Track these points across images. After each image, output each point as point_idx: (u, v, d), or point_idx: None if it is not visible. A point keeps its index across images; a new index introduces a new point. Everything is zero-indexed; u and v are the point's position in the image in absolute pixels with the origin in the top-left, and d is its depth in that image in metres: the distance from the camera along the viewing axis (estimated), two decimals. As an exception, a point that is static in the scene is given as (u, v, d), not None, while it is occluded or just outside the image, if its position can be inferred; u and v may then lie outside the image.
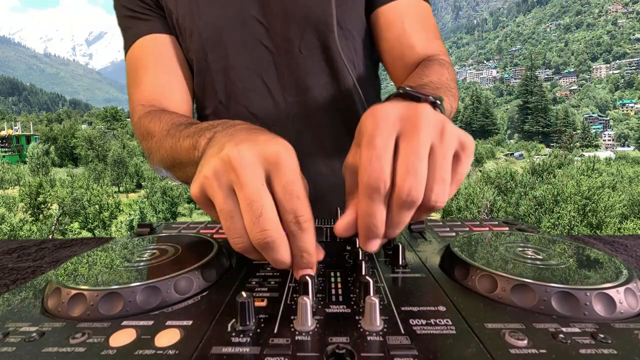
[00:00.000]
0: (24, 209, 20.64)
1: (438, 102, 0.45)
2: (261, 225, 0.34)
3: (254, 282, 0.41)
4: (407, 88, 0.47)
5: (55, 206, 20.43)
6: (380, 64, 0.91)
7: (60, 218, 18.27)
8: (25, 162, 38.06)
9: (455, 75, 0.74)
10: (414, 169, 0.34)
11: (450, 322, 0.32)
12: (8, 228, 15.02)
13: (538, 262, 0.40)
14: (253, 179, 0.34)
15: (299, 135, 0.83)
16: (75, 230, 18.37)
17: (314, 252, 0.36)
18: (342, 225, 0.39)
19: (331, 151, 0.85)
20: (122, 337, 0.30)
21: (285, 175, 0.35)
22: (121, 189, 32.56)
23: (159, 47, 0.79)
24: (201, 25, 0.77)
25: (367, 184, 0.35)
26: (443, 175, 0.35)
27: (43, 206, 20.73)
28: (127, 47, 0.81)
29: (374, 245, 0.38)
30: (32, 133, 53.81)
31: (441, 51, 0.80)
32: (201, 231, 0.64)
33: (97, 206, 19.37)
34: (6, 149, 48.61)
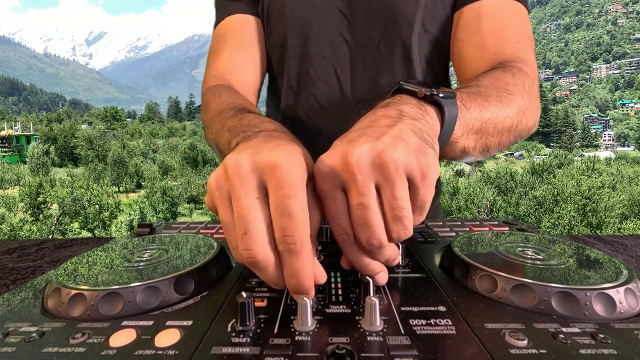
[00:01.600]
0: (24, 209, 20.64)
1: (439, 95, 0.42)
2: (245, 244, 0.32)
3: (254, 282, 0.41)
4: (402, 82, 0.45)
5: (55, 206, 20.44)
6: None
7: (60, 218, 18.27)
8: (25, 162, 38.04)
9: (528, 82, 0.61)
10: (363, 221, 0.34)
11: (450, 322, 0.32)
12: (8, 228, 15.01)
13: (538, 262, 0.40)
14: (244, 191, 0.33)
15: None
16: (75, 230, 18.36)
17: (306, 276, 0.33)
18: (345, 263, 0.40)
19: None
20: (122, 337, 0.30)
21: (280, 189, 0.32)
22: (121, 189, 32.55)
23: (242, 26, 0.84)
24: (288, 12, 0.80)
25: (336, 237, 0.36)
26: (396, 214, 0.34)
27: (43, 206, 20.72)
28: (216, 24, 0.87)
29: (380, 280, 0.38)
30: (32, 133, 53.79)
31: (523, 57, 0.68)
32: (201, 231, 0.64)
33: (97, 206, 19.37)
34: (6, 149, 48.60)
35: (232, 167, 0.33)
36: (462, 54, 0.74)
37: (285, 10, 0.80)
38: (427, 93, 0.42)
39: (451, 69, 0.86)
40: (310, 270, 0.33)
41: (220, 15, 0.86)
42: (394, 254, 0.36)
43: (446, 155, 0.49)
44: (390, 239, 0.35)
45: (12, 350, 0.29)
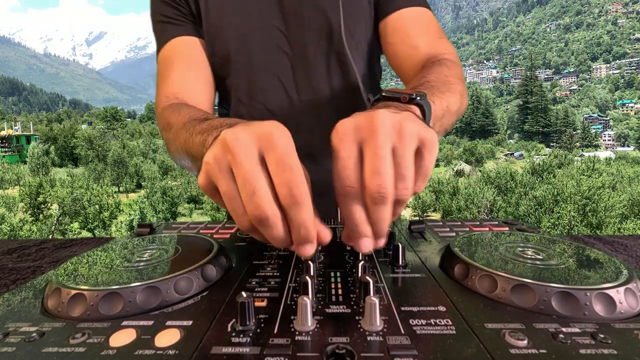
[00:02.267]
0: (24, 209, 20.64)
1: (418, 97, 0.50)
2: (255, 202, 0.35)
3: (254, 282, 0.41)
4: (384, 93, 0.52)
5: (55, 206, 20.43)
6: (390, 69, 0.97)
7: (60, 218, 18.26)
8: (25, 162, 38.04)
9: (459, 71, 0.75)
10: (377, 170, 0.36)
11: (450, 322, 0.32)
12: (8, 228, 15.02)
13: (538, 262, 0.40)
14: (247, 158, 0.36)
15: (310, 131, 0.89)
16: (75, 230, 18.36)
17: (311, 226, 0.36)
18: (344, 235, 0.41)
19: None
20: (122, 337, 0.30)
21: (278, 150, 0.36)
22: (121, 189, 32.54)
23: (187, 47, 0.87)
24: (228, 32, 0.86)
25: (339, 192, 0.38)
26: (401, 172, 0.37)
27: (43, 206, 20.72)
28: (159, 48, 0.89)
29: (365, 245, 0.39)
30: (32, 133, 53.76)
31: (446, 49, 0.83)
32: (201, 231, 0.64)
33: (97, 206, 19.36)
34: (6, 149, 48.58)
35: (232, 140, 0.36)
36: (398, 55, 0.87)
37: (224, 31, 0.86)
38: (410, 97, 0.50)
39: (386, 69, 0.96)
40: (314, 220, 0.37)
41: (162, 40, 0.88)
42: (388, 217, 0.38)
43: None
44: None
45: (12, 350, 0.29)
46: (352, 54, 0.85)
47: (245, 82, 0.89)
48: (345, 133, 0.38)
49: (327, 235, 0.39)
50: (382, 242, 0.40)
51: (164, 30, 0.88)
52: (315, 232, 0.37)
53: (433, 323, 0.32)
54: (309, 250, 0.37)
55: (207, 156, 0.38)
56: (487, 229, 0.61)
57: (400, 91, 0.50)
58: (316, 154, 0.89)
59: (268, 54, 0.87)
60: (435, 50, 0.82)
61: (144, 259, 0.44)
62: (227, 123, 0.49)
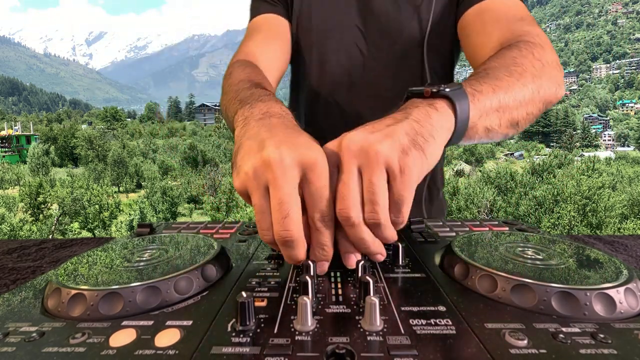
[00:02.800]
0: (24, 209, 20.63)
1: (445, 89, 0.45)
2: (285, 225, 0.38)
3: (254, 282, 0.41)
4: (411, 88, 0.49)
5: (55, 206, 20.43)
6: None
7: (60, 218, 18.26)
8: (25, 162, 38.02)
9: (538, 51, 0.63)
10: (341, 194, 0.40)
11: (450, 322, 0.32)
12: (8, 228, 15.01)
13: (538, 262, 0.40)
14: (287, 183, 0.38)
15: None
16: (75, 230, 18.36)
17: (330, 247, 0.41)
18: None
19: None
20: (122, 337, 0.30)
21: (319, 181, 0.39)
22: (121, 189, 32.53)
23: (273, 23, 0.96)
24: (314, 25, 0.95)
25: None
26: (369, 197, 0.39)
27: (43, 206, 20.71)
28: (251, 18, 0.98)
29: (347, 261, 0.44)
30: (32, 133, 53.72)
31: (526, 31, 0.70)
32: (201, 231, 0.64)
33: (97, 206, 19.36)
34: (6, 149, 48.56)
35: (277, 161, 0.38)
36: (472, 46, 0.80)
37: (311, 23, 0.95)
38: (434, 90, 0.45)
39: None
40: (332, 241, 0.42)
41: (256, 12, 0.97)
42: (366, 237, 0.41)
43: (472, 137, 0.52)
44: (363, 220, 0.40)
45: (12, 350, 0.29)
46: (430, 62, 0.89)
47: (319, 73, 0.97)
48: (328, 158, 0.41)
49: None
50: (379, 257, 0.44)
51: (260, 5, 0.97)
52: (332, 252, 0.42)
53: (433, 323, 0.32)
54: (325, 267, 0.42)
55: (247, 166, 0.40)
56: (487, 228, 0.61)
57: (428, 85, 0.46)
58: None
59: (343, 49, 0.94)
60: (511, 33, 0.71)
61: (144, 259, 0.44)
62: (255, 107, 0.51)
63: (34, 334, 0.31)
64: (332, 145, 0.43)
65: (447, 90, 0.45)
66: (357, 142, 0.40)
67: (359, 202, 0.40)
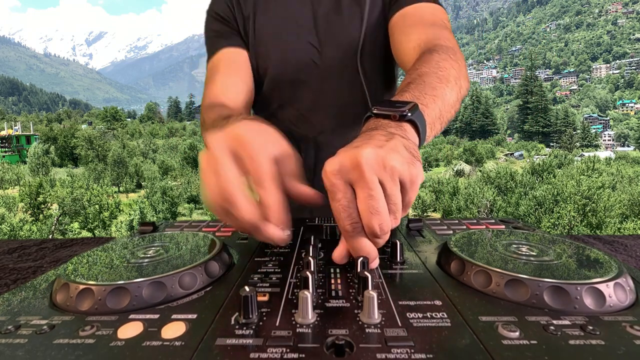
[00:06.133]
0: (24, 209, 20.63)
1: (408, 114, 0.50)
2: (221, 185, 0.43)
3: (256, 278, 0.42)
4: (375, 110, 0.52)
5: (55, 206, 20.42)
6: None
7: (60, 218, 18.26)
8: (25, 162, 38.02)
9: (452, 55, 0.73)
10: (375, 210, 0.40)
11: (445, 316, 0.33)
12: (8, 228, 15.02)
13: (532, 259, 0.41)
14: (221, 167, 0.43)
15: (332, 132, 1.02)
16: (75, 230, 18.36)
17: (277, 208, 0.44)
18: (338, 255, 0.46)
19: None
20: (130, 330, 0.31)
21: (247, 150, 0.44)
22: (121, 189, 32.51)
23: (232, 56, 0.99)
24: (270, 51, 0.99)
25: (344, 228, 0.42)
26: (391, 208, 0.41)
27: (43, 206, 20.71)
28: (209, 58, 1.02)
29: (375, 264, 0.45)
30: (32, 133, 53.71)
31: (440, 36, 0.81)
32: (203, 229, 0.65)
33: (97, 206, 19.36)
34: (6, 149, 48.54)
35: (211, 142, 0.45)
36: (397, 48, 0.91)
37: (270, 50, 0.99)
38: (400, 115, 0.50)
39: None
40: (279, 204, 0.44)
41: (212, 51, 1.01)
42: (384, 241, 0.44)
43: (423, 144, 0.58)
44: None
45: (24, 341, 0.30)
46: (372, 66, 0.98)
47: (285, 91, 1.02)
48: (335, 174, 0.42)
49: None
50: (377, 262, 0.45)
51: (214, 43, 1.01)
52: (281, 215, 0.43)
53: (429, 316, 0.33)
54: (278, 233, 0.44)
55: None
56: (484, 227, 0.63)
57: (390, 108, 0.51)
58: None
59: (302, 66, 0.99)
60: (426, 36, 0.83)
61: (149, 255, 0.45)
62: (239, 118, 0.55)
63: (45, 327, 0.32)
64: (340, 160, 0.42)
65: (410, 115, 0.50)
66: (374, 159, 0.40)
67: (388, 212, 0.41)
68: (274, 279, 0.42)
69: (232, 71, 0.98)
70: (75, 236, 13.73)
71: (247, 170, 0.43)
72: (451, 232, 0.61)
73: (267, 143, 0.46)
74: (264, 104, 1.09)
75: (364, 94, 1.01)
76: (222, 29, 1.02)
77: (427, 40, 0.81)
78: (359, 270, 0.39)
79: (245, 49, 1.02)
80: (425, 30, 0.84)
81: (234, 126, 0.46)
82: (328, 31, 0.99)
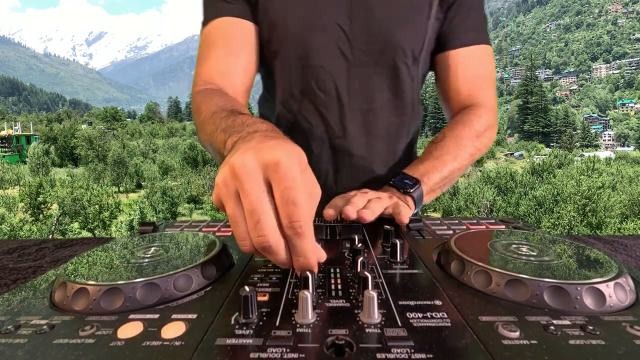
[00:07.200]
0: (24, 209, 20.63)
1: (411, 191, 0.76)
2: (258, 231, 0.37)
3: (255, 278, 0.42)
4: (390, 182, 0.79)
5: (55, 206, 20.42)
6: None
7: (60, 218, 18.26)
8: (25, 162, 38.01)
9: (479, 124, 0.86)
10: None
11: (445, 315, 0.33)
12: (8, 228, 15.02)
13: (532, 259, 0.41)
14: (253, 187, 0.37)
15: (354, 139, 0.91)
16: (75, 230, 18.35)
17: (310, 255, 0.38)
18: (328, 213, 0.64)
19: (383, 156, 0.96)
20: (130, 330, 0.31)
21: (283, 182, 0.37)
22: (121, 189, 32.52)
23: (232, 29, 0.84)
24: (291, 23, 0.83)
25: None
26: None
27: (43, 206, 20.72)
28: (205, 23, 0.86)
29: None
30: (32, 133, 53.74)
31: (482, 102, 0.91)
32: (203, 229, 0.65)
33: (97, 206, 19.35)
34: (6, 149, 48.55)
35: (240, 166, 0.37)
36: (444, 93, 0.95)
37: (287, 23, 0.83)
38: (405, 191, 0.76)
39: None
40: (314, 250, 0.38)
41: (209, 16, 0.85)
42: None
43: (420, 206, 0.80)
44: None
45: (24, 341, 0.30)
46: (409, 74, 0.89)
47: (301, 79, 0.87)
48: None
49: (322, 257, 0.41)
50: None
51: (214, 5, 0.84)
52: (315, 260, 0.39)
53: (429, 316, 0.33)
54: (309, 272, 0.39)
55: (218, 177, 0.39)
56: (484, 227, 0.63)
57: (399, 184, 0.77)
58: (358, 164, 0.92)
59: (326, 52, 0.85)
60: (474, 99, 0.91)
61: (150, 255, 0.45)
62: (247, 127, 0.52)
63: (45, 327, 0.32)
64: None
65: (412, 192, 0.75)
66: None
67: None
68: (274, 279, 0.42)
69: (232, 49, 0.83)
70: (75, 236, 13.75)
71: (283, 215, 0.37)
72: (451, 232, 0.61)
73: (306, 181, 0.39)
74: (270, 91, 0.94)
75: (400, 102, 0.91)
76: None
77: (471, 104, 0.90)
78: (359, 270, 0.39)
79: (251, 18, 0.85)
80: (474, 92, 0.91)
81: (269, 146, 0.39)
82: (362, 13, 0.83)
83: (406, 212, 0.64)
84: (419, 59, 0.89)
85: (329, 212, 0.65)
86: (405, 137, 0.96)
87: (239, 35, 0.84)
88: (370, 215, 0.62)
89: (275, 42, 0.86)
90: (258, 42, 0.87)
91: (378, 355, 0.27)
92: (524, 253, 0.43)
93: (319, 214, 0.52)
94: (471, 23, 0.90)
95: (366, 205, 0.66)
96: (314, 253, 0.38)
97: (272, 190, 0.38)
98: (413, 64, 0.89)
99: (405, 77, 0.89)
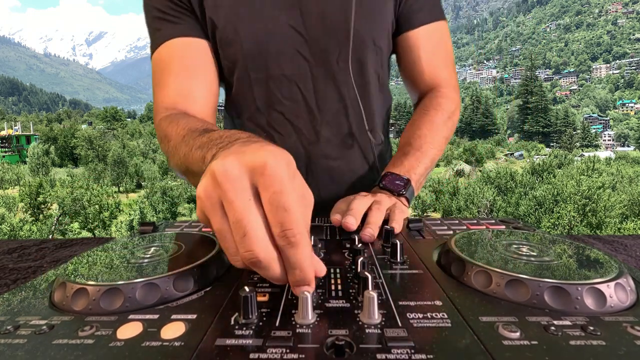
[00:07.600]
0: (24, 209, 20.63)
1: (405, 194, 0.76)
2: (245, 245, 0.33)
3: (255, 278, 0.42)
4: (381, 184, 0.77)
5: (55, 206, 20.42)
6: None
7: (60, 218, 18.26)
8: (25, 162, 38.04)
9: (448, 106, 0.89)
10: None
11: (445, 316, 0.33)
12: (8, 228, 15.02)
13: (532, 259, 0.41)
14: (238, 195, 0.33)
15: (328, 142, 0.89)
16: (75, 230, 18.35)
17: (306, 267, 0.34)
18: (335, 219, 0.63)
19: (360, 153, 0.94)
20: (129, 330, 0.31)
21: (271, 186, 0.33)
22: (121, 189, 32.53)
23: (186, 50, 0.79)
24: (243, 36, 0.79)
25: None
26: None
27: (43, 206, 20.72)
28: (154, 48, 0.81)
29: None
30: (32, 133, 53.76)
31: (446, 81, 0.93)
32: (203, 229, 0.65)
33: (97, 206, 19.35)
34: (6, 149, 48.57)
35: (220, 173, 0.33)
36: (407, 75, 0.96)
37: (239, 35, 0.79)
38: (399, 193, 0.76)
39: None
40: (311, 261, 0.34)
41: (157, 40, 0.80)
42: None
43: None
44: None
45: (23, 342, 0.30)
46: (372, 65, 0.87)
47: (263, 90, 0.84)
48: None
49: (322, 270, 0.37)
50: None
51: (159, 28, 0.79)
52: (312, 272, 0.34)
53: (429, 316, 0.33)
54: (306, 290, 0.33)
55: (198, 189, 0.35)
56: (484, 227, 0.63)
57: (391, 187, 0.76)
58: (334, 166, 0.89)
59: (286, 58, 0.81)
60: (437, 80, 0.92)
61: (150, 255, 0.45)
62: (226, 138, 0.47)
63: (44, 327, 0.32)
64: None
65: (404, 193, 0.76)
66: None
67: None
68: (273, 279, 0.42)
69: (191, 71, 0.79)
70: (75, 236, 13.75)
71: (274, 223, 0.33)
72: (451, 232, 0.61)
73: (297, 186, 0.35)
74: (234, 108, 0.89)
75: (368, 94, 0.88)
76: (168, 7, 0.78)
77: (435, 85, 0.92)
78: (359, 270, 0.39)
79: (202, 35, 0.80)
80: (438, 70, 0.92)
81: (252, 149, 0.35)
82: (315, 11, 0.80)
83: (400, 218, 0.63)
84: (381, 46, 0.86)
85: (336, 218, 0.62)
86: (380, 125, 0.94)
87: (195, 55, 0.80)
88: (372, 234, 0.57)
89: (231, 58, 0.82)
90: (216, 58, 0.83)
91: (378, 356, 0.27)
92: (524, 253, 0.43)
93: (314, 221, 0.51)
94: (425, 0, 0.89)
95: (367, 222, 0.60)
96: (311, 265, 0.34)
97: (260, 198, 0.34)
98: (376, 53, 0.86)
99: (369, 67, 0.86)
